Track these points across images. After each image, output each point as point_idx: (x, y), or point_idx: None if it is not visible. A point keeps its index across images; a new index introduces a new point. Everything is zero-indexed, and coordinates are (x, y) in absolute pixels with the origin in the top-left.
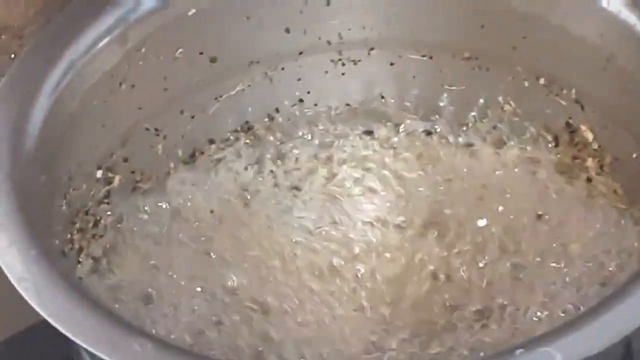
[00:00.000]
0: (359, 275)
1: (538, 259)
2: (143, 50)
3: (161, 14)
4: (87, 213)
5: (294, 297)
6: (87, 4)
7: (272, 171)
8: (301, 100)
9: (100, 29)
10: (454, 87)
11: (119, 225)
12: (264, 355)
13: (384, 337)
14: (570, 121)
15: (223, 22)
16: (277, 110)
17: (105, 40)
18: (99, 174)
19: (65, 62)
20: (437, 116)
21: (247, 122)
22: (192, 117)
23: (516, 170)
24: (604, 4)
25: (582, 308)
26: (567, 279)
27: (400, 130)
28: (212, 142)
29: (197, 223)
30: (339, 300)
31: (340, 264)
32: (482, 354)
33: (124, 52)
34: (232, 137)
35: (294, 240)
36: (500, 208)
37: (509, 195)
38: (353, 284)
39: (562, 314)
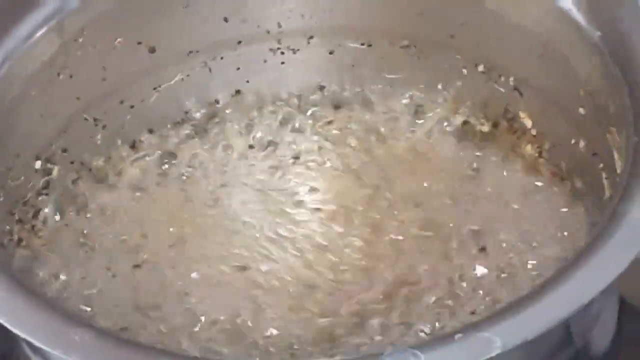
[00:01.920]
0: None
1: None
2: (81, 40)
3: (99, 3)
4: (26, 204)
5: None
6: None
7: (210, 161)
8: (240, 90)
9: (38, 18)
10: (393, 75)
11: (57, 216)
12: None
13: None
14: (509, 108)
15: (161, 11)
16: (217, 101)
17: (43, 30)
18: (38, 164)
19: (1, 52)
20: (376, 104)
21: (187, 112)
22: (132, 107)
23: (454, 156)
24: None
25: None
26: (507, 263)
27: (340, 118)
28: (151, 131)
29: (140, 213)
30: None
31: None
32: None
33: (62, 42)
34: (172, 128)
35: (228, 232)
36: (440, 192)
37: (445, 181)
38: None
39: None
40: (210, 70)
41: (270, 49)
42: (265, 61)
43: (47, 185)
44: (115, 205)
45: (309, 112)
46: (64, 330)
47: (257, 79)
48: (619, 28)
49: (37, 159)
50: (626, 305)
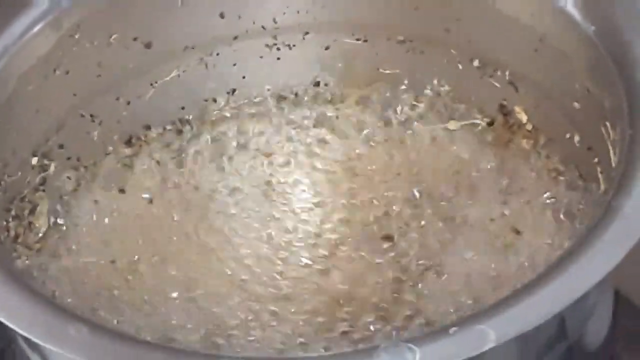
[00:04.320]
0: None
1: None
2: (77, 36)
3: None
4: (22, 200)
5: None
6: None
7: (206, 157)
8: (236, 86)
9: (34, 14)
10: (388, 70)
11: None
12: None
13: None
14: (505, 103)
15: (157, 7)
16: (214, 98)
17: (39, 26)
18: (35, 160)
19: None
20: (372, 99)
21: (183, 108)
22: (128, 103)
23: (449, 151)
24: None
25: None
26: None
27: (336, 114)
28: (148, 128)
29: (136, 210)
30: None
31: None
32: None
33: (58, 38)
34: (168, 124)
35: (228, 229)
36: (434, 184)
37: (440, 176)
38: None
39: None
40: (206, 66)
41: (266, 45)
42: (261, 57)
43: (43, 182)
44: (110, 202)
45: (305, 108)
46: (59, 325)
47: (253, 75)
48: (613, 23)
49: (34, 155)
50: (622, 299)
